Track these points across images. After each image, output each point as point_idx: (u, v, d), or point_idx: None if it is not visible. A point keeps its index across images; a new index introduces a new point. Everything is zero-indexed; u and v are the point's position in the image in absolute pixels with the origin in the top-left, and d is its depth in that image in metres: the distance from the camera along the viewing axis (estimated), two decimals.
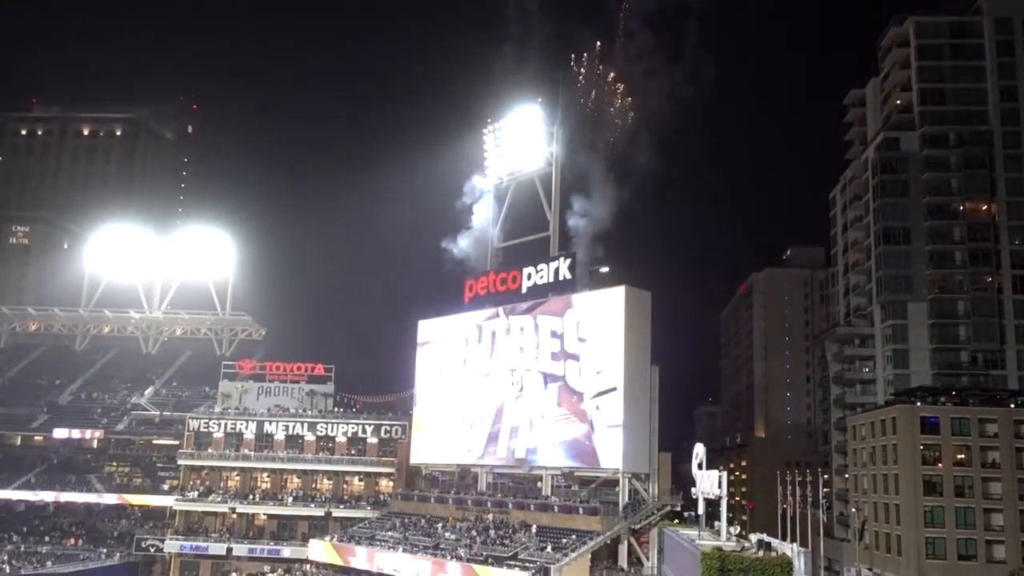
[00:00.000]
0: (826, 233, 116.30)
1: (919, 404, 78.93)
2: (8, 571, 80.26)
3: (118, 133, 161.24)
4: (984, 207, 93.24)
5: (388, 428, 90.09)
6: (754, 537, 35.04)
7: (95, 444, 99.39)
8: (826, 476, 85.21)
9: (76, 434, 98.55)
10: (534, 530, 67.24)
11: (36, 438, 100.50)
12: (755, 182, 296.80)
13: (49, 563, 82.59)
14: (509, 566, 61.69)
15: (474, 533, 69.89)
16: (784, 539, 44.78)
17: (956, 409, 77.54)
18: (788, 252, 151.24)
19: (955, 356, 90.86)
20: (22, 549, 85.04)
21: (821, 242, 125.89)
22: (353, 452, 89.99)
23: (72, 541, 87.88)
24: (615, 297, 68.23)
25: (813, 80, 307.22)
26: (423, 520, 76.35)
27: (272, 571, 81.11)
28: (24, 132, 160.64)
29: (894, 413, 79.73)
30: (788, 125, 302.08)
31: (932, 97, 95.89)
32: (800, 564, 37.25)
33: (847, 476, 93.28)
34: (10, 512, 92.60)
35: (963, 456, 75.77)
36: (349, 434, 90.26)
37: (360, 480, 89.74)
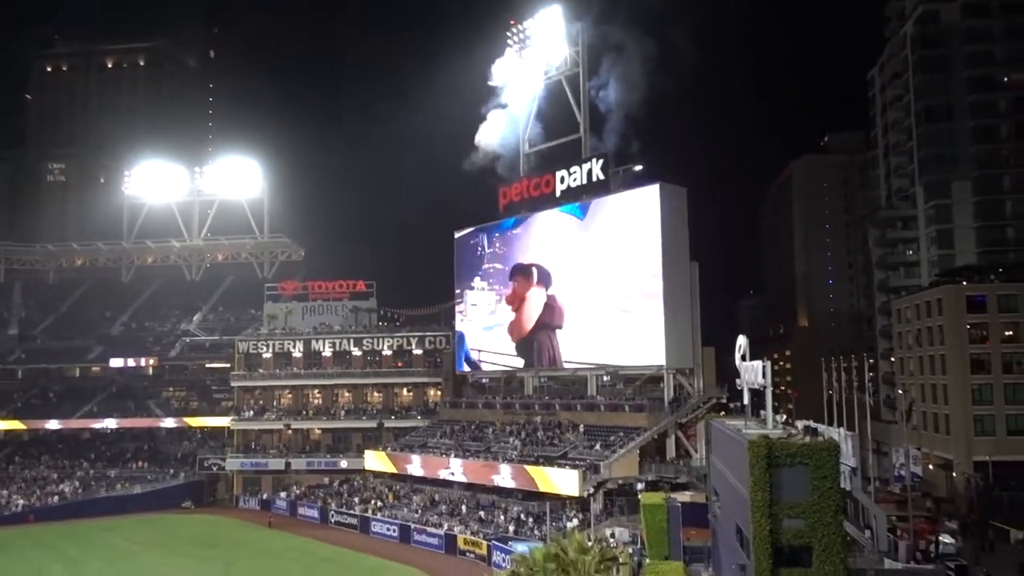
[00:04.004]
0: (865, 116, 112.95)
1: (964, 283, 77.87)
2: (81, 494, 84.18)
3: (141, 63, 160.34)
4: None
5: (432, 339, 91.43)
6: (800, 424, 35.16)
7: (151, 371, 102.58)
8: (871, 361, 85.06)
9: (131, 363, 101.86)
10: (582, 429, 68.48)
11: (94, 369, 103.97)
12: (791, 67, 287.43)
13: (119, 485, 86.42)
14: (560, 465, 63.07)
15: (524, 435, 71.38)
16: (831, 425, 45.01)
17: (1003, 286, 76.20)
18: (826, 138, 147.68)
19: (1001, 233, 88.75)
20: (91, 473, 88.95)
21: (860, 126, 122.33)
22: (400, 364, 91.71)
23: (138, 464, 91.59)
24: (650, 195, 67.55)
25: None
26: (473, 425, 78.07)
27: (331, 482, 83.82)
28: (49, 69, 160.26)
29: (939, 294, 78.76)
30: (823, 4, 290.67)
31: None
32: (848, 447, 37.50)
33: (893, 360, 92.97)
34: (77, 440, 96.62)
35: (1011, 333, 74.86)
36: (395, 347, 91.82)
37: (409, 391, 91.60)
